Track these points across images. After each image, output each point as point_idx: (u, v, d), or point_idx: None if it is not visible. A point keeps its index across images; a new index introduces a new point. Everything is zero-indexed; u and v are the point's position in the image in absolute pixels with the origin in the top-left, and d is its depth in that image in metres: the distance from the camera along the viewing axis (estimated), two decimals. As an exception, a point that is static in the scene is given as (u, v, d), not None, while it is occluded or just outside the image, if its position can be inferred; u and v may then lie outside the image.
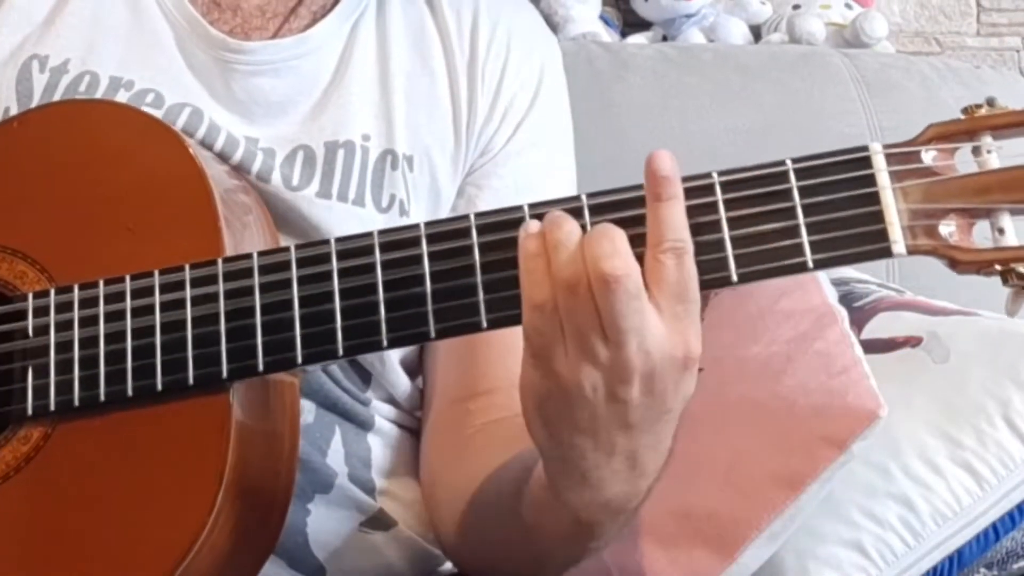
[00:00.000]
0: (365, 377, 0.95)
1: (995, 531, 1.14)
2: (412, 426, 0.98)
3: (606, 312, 0.66)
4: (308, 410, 0.90)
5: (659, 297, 0.67)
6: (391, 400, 0.97)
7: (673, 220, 0.68)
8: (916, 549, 1.11)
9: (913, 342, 1.21)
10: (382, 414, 0.96)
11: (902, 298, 1.32)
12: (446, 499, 0.90)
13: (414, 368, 0.98)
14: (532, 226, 0.69)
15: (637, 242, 0.68)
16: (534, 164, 0.98)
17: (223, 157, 0.90)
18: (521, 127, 0.98)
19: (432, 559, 0.97)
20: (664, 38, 2.24)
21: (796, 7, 2.26)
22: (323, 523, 0.91)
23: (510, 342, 0.89)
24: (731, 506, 1.09)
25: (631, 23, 2.31)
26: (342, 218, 0.90)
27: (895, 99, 1.65)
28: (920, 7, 2.43)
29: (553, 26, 2.00)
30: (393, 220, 0.92)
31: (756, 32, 2.27)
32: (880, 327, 1.25)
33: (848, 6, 2.27)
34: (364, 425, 0.95)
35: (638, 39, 2.21)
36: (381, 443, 0.96)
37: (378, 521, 0.94)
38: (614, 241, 0.67)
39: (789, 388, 1.14)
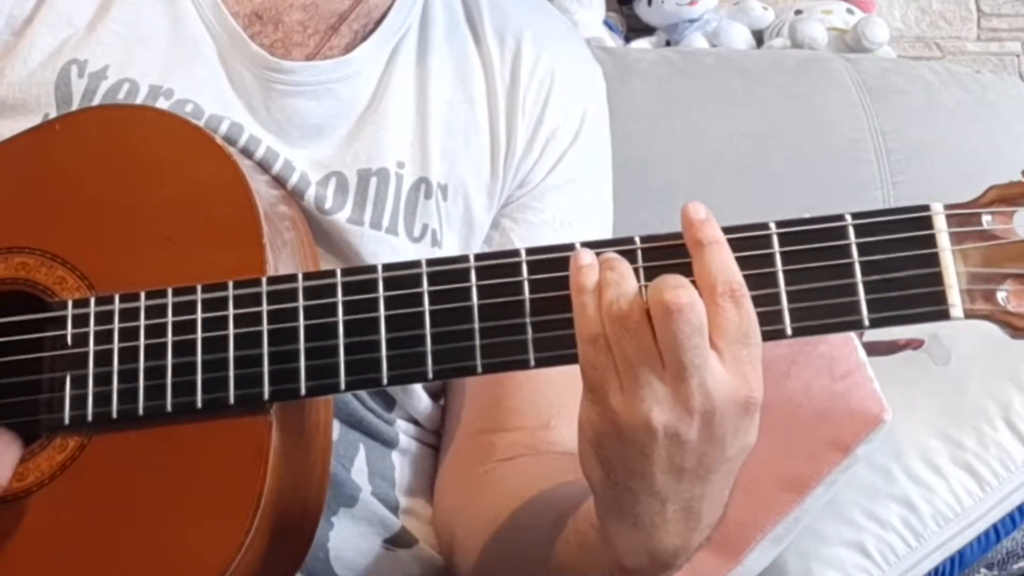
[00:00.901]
0: (388, 400, 0.94)
1: (996, 532, 1.15)
2: (435, 444, 0.98)
3: (667, 344, 0.65)
4: (333, 427, 0.87)
5: (720, 342, 0.66)
6: (414, 420, 0.96)
7: (722, 263, 0.67)
8: (918, 550, 1.12)
9: (915, 345, 1.21)
10: (406, 432, 0.95)
11: (904, 301, 1.33)
12: (468, 527, 0.89)
13: (437, 391, 0.97)
14: (584, 256, 0.68)
15: None
16: (573, 199, 0.96)
17: (262, 168, 0.89)
18: (563, 161, 0.96)
19: None
20: (667, 43, 2.23)
21: (798, 12, 2.25)
22: (346, 538, 0.91)
23: (542, 384, 0.89)
24: (736, 509, 1.07)
25: (635, 28, 2.31)
26: (374, 245, 0.89)
27: (896, 103, 1.66)
28: (921, 12, 2.44)
29: (557, 31, 2.01)
30: (425, 249, 0.91)
31: (758, 37, 2.27)
32: (882, 330, 1.26)
33: (850, 11, 2.27)
34: (388, 443, 0.94)
35: (642, 44, 2.21)
36: (404, 461, 0.95)
37: (400, 539, 0.93)
38: (679, 278, 0.66)
39: (793, 391, 1.15)
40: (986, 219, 0.69)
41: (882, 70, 1.72)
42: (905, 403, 1.14)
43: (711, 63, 1.71)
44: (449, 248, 0.92)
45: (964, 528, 1.13)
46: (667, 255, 0.70)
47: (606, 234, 0.97)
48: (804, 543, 1.13)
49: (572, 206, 0.96)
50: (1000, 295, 0.68)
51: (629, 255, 0.70)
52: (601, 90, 1.02)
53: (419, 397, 0.95)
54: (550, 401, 0.90)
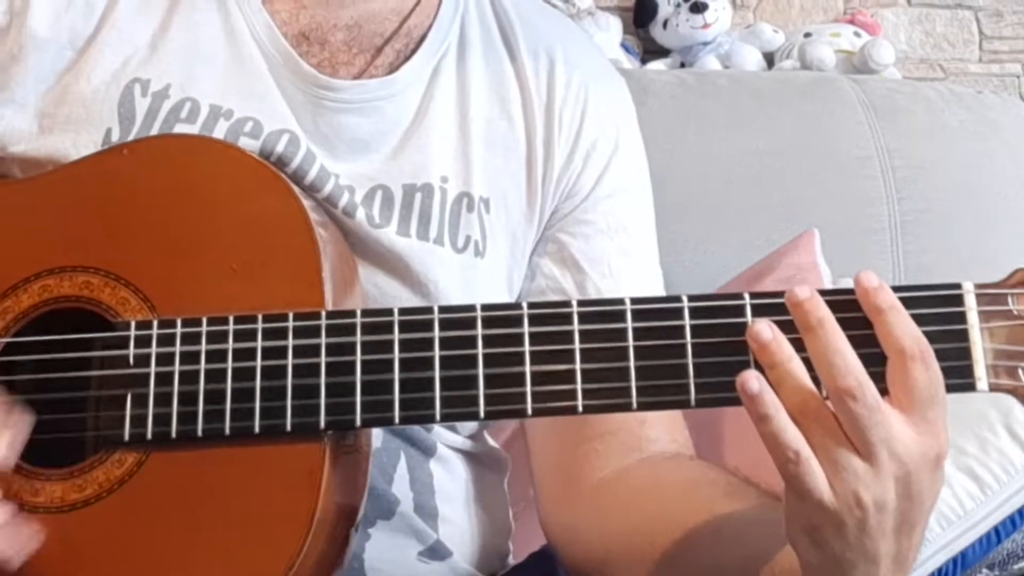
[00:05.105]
0: None
1: (996, 534, 1.17)
2: (470, 450, 1.00)
3: (851, 427, 0.68)
4: (375, 436, 0.89)
5: (908, 404, 0.68)
6: (452, 427, 0.98)
7: (906, 326, 0.69)
8: (922, 551, 1.13)
9: (919, 354, 1.25)
10: (443, 441, 0.97)
11: (909, 312, 1.36)
12: (613, 545, 0.91)
13: None
14: (752, 382, 0.69)
15: (797, 345, 0.69)
16: (625, 206, 0.99)
17: (313, 188, 0.90)
18: (608, 170, 0.98)
19: None
20: (682, 64, 2.28)
21: (807, 35, 2.29)
22: (381, 550, 0.91)
23: None
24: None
25: (650, 50, 2.35)
26: (422, 255, 0.91)
27: (901, 122, 1.69)
28: (925, 35, 2.47)
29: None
30: (468, 259, 0.93)
31: (769, 59, 2.31)
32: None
33: (857, 34, 2.31)
34: (427, 451, 0.95)
35: (657, 65, 2.26)
36: (442, 469, 0.96)
37: (435, 551, 0.94)
38: (846, 357, 0.69)
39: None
40: (1012, 300, 0.72)
41: (888, 90, 1.76)
42: (909, 410, 1.17)
43: (724, 84, 1.75)
44: (493, 258, 0.94)
45: (966, 530, 1.16)
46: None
47: (654, 236, 1.02)
48: (813, 543, 1.16)
49: (624, 213, 0.98)
50: (1022, 372, 0.71)
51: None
52: (630, 102, 1.05)
53: None
54: None
